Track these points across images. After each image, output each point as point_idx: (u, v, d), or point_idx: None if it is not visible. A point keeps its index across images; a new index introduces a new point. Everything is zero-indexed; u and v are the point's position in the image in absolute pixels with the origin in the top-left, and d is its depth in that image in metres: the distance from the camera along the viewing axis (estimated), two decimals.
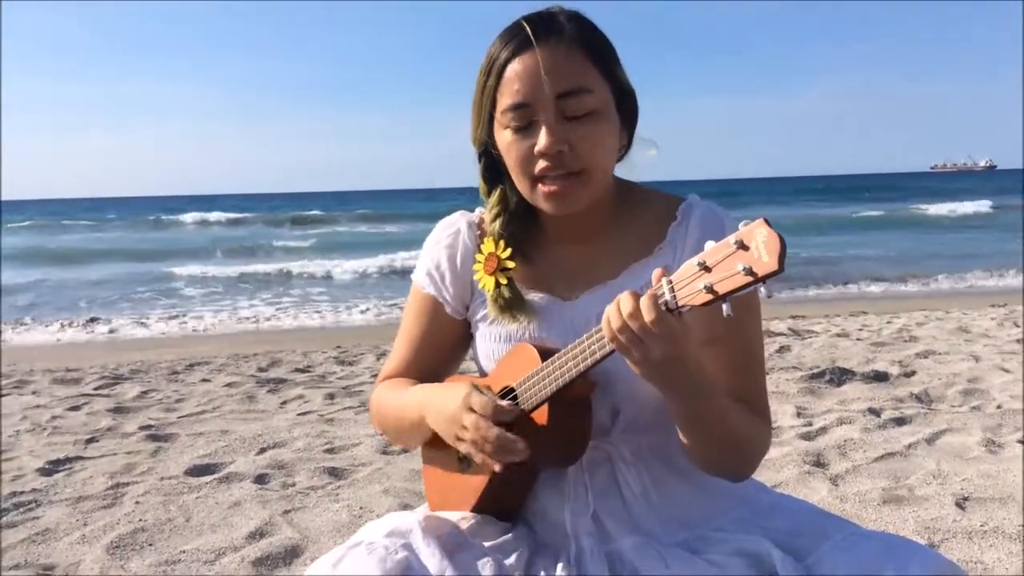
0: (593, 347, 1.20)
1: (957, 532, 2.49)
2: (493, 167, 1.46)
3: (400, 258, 17.04)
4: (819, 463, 3.18)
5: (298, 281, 15.05)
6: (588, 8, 1.38)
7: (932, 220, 27.64)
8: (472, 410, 1.27)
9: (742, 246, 0.99)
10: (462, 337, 1.55)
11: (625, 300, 1.11)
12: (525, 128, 1.32)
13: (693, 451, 1.31)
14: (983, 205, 31.75)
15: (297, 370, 5.78)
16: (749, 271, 0.98)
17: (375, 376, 5.38)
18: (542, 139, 1.29)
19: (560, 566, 1.35)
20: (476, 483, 1.43)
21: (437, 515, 1.45)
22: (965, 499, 2.73)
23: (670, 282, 1.08)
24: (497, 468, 1.28)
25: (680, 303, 1.07)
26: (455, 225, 1.55)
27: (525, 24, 1.32)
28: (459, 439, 1.31)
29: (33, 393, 5.21)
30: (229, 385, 5.27)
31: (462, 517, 1.43)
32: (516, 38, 1.32)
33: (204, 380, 5.50)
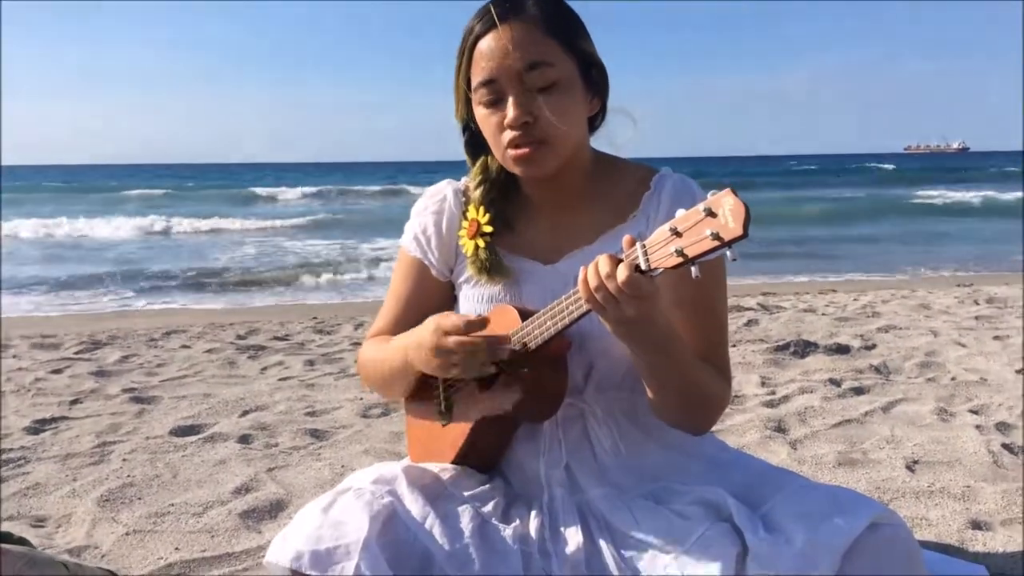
0: (571, 307, 1.31)
1: (906, 492, 2.64)
2: (475, 140, 1.57)
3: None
4: (780, 428, 3.33)
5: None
6: None
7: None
8: (448, 333, 1.36)
9: (710, 213, 1.09)
10: (447, 298, 1.65)
11: (603, 262, 1.21)
12: (495, 103, 1.42)
13: (658, 404, 1.42)
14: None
15: (276, 338, 5.84)
16: (716, 236, 1.07)
17: (354, 344, 5.48)
18: (509, 112, 1.40)
19: (533, 514, 1.45)
20: (456, 437, 1.54)
21: (420, 466, 1.55)
22: (915, 462, 2.89)
23: (643, 246, 1.18)
24: (493, 370, 1.36)
25: (653, 265, 1.17)
26: (442, 192, 1.65)
27: (492, 5, 1.42)
28: (451, 365, 1.38)
29: (14, 356, 5.25)
30: (209, 351, 5.33)
31: (443, 468, 1.54)
32: (483, 19, 1.42)
33: (184, 346, 5.56)
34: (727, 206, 1.07)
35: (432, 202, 1.64)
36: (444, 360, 1.38)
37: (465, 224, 1.57)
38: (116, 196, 32.23)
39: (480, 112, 1.46)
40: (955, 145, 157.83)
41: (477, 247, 1.54)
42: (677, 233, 1.13)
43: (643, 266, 1.17)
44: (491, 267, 1.52)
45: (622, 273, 1.18)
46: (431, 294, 1.64)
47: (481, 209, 1.54)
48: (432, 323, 1.40)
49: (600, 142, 1.58)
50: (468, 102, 1.49)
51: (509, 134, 1.42)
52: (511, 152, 1.44)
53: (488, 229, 1.53)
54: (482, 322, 1.36)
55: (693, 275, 1.13)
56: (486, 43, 1.41)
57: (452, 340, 1.36)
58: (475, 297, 1.56)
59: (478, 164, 1.58)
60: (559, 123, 1.42)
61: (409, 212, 1.67)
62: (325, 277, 11.38)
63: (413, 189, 32.71)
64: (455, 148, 1.60)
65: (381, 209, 25.45)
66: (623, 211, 1.51)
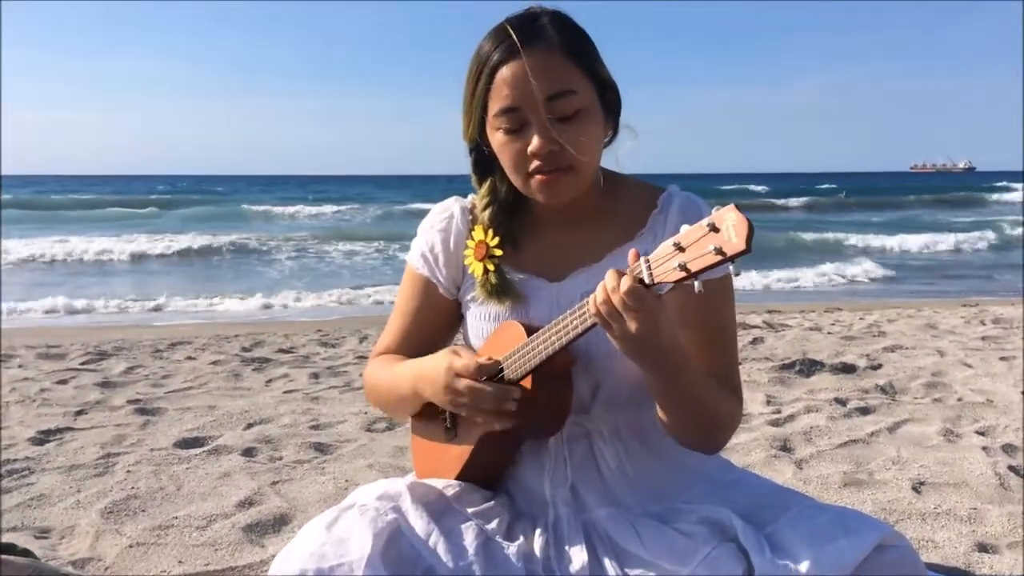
0: (575, 322, 1.31)
1: (912, 513, 2.63)
2: (483, 160, 1.56)
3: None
4: (785, 448, 3.32)
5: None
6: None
7: None
8: (460, 375, 1.37)
9: (714, 228, 1.10)
10: (453, 315, 1.65)
11: (609, 276, 1.22)
12: (517, 130, 1.41)
13: (669, 424, 1.41)
14: None
15: (281, 351, 5.86)
16: (719, 251, 1.08)
17: (359, 357, 5.48)
18: (534, 141, 1.39)
19: (538, 532, 1.44)
20: (461, 453, 1.53)
21: (424, 482, 1.55)
22: (921, 484, 2.88)
23: (647, 260, 1.19)
24: (498, 425, 1.37)
25: (656, 280, 1.17)
26: (449, 210, 1.65)
27: (511, 29, 1.40)
28: (458, 404, 1.39)
29: (19, 367, 5.26)
30: (214, 363, 5.35)
31: (447, 485, 1.53)
32: (503, 44, 1.40)
33: (189, 358, 5.57)
34: (730, 221, 1.08)
35: (439, 219, 1.64)
36: (453, 399, 1.40)
37: (471, 244, 1.57)
38: (110, 212, 30.74)
39: (499, 138, 1.44)
40: (961, 164, 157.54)
41: (486, 270, 1.53)
42: (680, 248, 1.14)
43: (647, 280, 1.18)
44: (502, 291, 1.52)
45: (624, 283, 1.19)
46: (438, 311, 1.64)
47: (490, 232, 1.54)
48: (445, 360, 1.40)
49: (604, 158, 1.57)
50: (480, 125, 1.48)
51: (533, 163, 1.42)
52: (536, 181, 1.43)
53: (498, 252, 1.53)
54: (495, 365, 1.37)
55: (696, 289, 1.14)
56: (509, 70, 1.39)
57: (463, 384, 1.37)
58: (482, 315, 1.56)
59: (486, 186, 1.57)
60: (583, 150, 1.42)
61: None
62: None
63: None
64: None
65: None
66: (630, 229, 1.51)
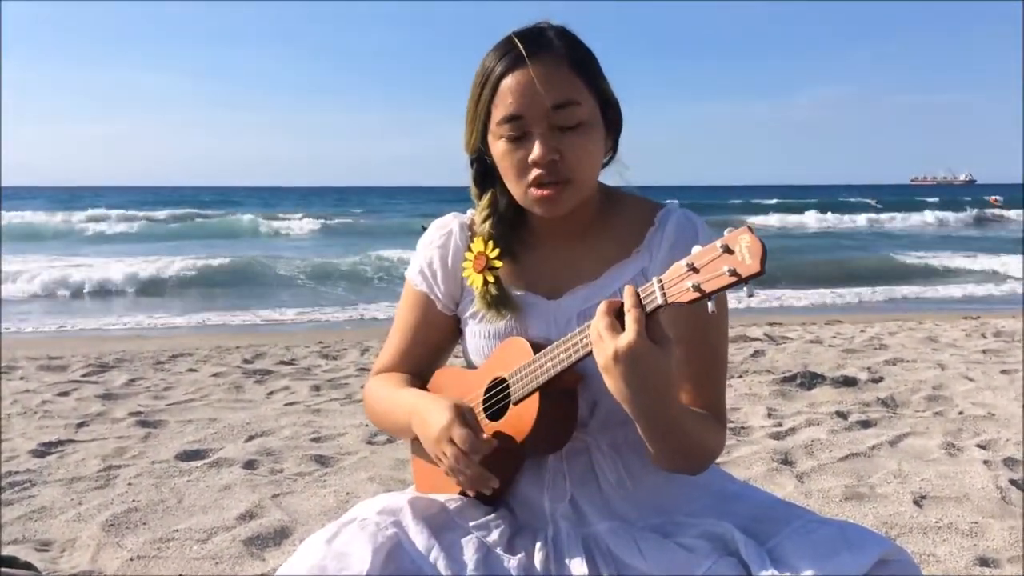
0: (586, 340, 1.31)
1: (913, 527, 2.63)
2: (484, 171, 1.57)
3: None
4: (787, 461, 3.31)
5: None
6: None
7: None
8: (453, 442, 1.36)
9: (727, 250, 1.10)
10: (452, 331, 1.65)
11: (600, 304, 1.24)
12: (519, 139, 1.42)
13: (652, 453, 1.42)
14: None
15: (282, 362, 5.86)
16: (733, 272, 1.08)
17: (360, 370, 5.48)
18: (536, 150, 1.40)
19: (539, 546, 1.44)
20: None
21: (426, 496, 1.55)
22: (923, 497, 2.88)
23: (660, 280, 1.19)
24: (470, 490, 1.41)
25: (670, 300, 1.18)
26: (448, 226, 1.65)
27: (517, 40, 1.41)
28: (440, 460, 1.40)
29: (21, 379, 5.26)
30: (216, 375, 5.35)
31: (449, 498, 1.52)
32: (509, 54, 1.41)
33: (190, 370, 5.57)
34: (744, 243, 1.09)
35: (438, 236, 1.64)
36: (436, 454, 1.41)
37: (470, 257, 1.57)
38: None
39: (501, 146, 1.45)
40: (962, 177, 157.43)
41: (486, 282, 1.54)
42: (694, 269, 1.14)
43: (660, 301, 1.19)
44: (501, 302, 1.52)
45: (601, 316, 1.21)
46: (437, 327, 1.64)
47: (490, 244, 1.55)
48: (448, 415, 1.39)
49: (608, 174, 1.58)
50: (482, 135, 1.49)
51: (534, 172, 1.43)
52: (534, 192, 1.44)
53: (498, 264, 1.53)
54: (489, 444, 1.37)
55: (709, 310, 1.14)
56: (514, 79, 1.41)
57: (450, 450, 1.37)
58: (481, 333, 1.56)
59: (486, 198, 1.58)
60: (583, 163, 1.43)
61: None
62: None
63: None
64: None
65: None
66: (627, 246, 1.52)
